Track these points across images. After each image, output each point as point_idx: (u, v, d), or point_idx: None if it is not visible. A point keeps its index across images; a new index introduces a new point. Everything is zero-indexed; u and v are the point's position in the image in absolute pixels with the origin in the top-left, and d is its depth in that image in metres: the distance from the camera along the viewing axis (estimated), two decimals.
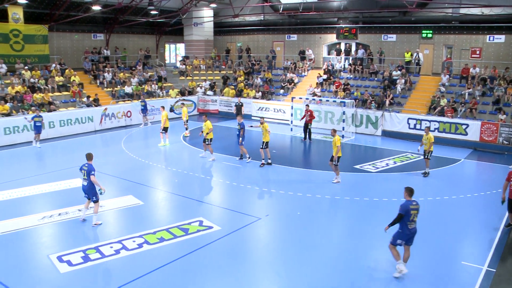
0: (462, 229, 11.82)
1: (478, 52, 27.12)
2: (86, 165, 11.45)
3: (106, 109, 25.50)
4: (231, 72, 34.55)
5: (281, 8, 32.11)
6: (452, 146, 21.49)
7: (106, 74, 29.28)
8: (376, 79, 28.42)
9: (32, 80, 25.35)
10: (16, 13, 25.76)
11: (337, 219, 12.74)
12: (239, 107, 26.97)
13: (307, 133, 22.73)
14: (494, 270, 9.44)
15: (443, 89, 25.17)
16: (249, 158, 18.16)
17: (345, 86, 27.61)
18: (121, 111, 26.32)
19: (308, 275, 9.21)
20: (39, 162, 18.65)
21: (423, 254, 9.75)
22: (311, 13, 30.13)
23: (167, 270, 9.35)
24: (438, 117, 22.63)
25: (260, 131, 17.88)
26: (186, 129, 23.76)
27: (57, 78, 26.63)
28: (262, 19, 35.72)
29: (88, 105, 25.39)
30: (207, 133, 18.28)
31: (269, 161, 17.65)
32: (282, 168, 17.53)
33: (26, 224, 11.65)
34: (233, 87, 31.80)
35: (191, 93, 31.63)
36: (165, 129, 21.11)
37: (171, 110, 28.43)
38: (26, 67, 26.00)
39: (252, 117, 28.08)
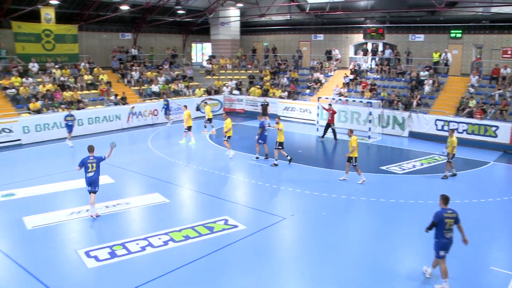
0: (491, 233, 11.55)
1: (509, 52, 26.35)
2: (91, 157, 11.85)
3: (133, 107, 25.89)
4: (257, 71, 34.58)
5: (308, 8, 31.94)
6: (481, 148, 21.03)
7: (133, 73, 29.72)
8: (403, 79, 28.03)
9: (62, 78, 25.93)
10: (48, 13, 26.39)
11: (362, 220, 12.63)
12: (264, 106, 27.01)
13: (332, 133, 22.62)
14: None
15: (472, 90, 24.59)
16: (257, 157, 18.49)
17: (372, 87, 27.33)
18: (148, 109, 26.66)
19: (332, 275, 9.18)
20: (67, 159, 19.01)
21: (450, 258, 9.57)
22: (337, 12, 29.83)
23: (192, 268, 9.43)
24: (466, 119, 22.15)
25: (282, 131, 17.86)
26: (212, 127, 23.98)
27: (86, 77, 27.19)
28: (289, 18, 35.68)
29: (115, 104, 25.84)
30: (226, 131, 18.87)
31: (288, 157, 17.75)
32: (308, 168, 17.50)
33: (55, 219, 11.95)
34: (259, 86, 31.86)
35: (217, 92, 31.84)
36: (189, 128, 21.32)
37: (197, 109, 28.65)
38: (56, 66, 26.61)
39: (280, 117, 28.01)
